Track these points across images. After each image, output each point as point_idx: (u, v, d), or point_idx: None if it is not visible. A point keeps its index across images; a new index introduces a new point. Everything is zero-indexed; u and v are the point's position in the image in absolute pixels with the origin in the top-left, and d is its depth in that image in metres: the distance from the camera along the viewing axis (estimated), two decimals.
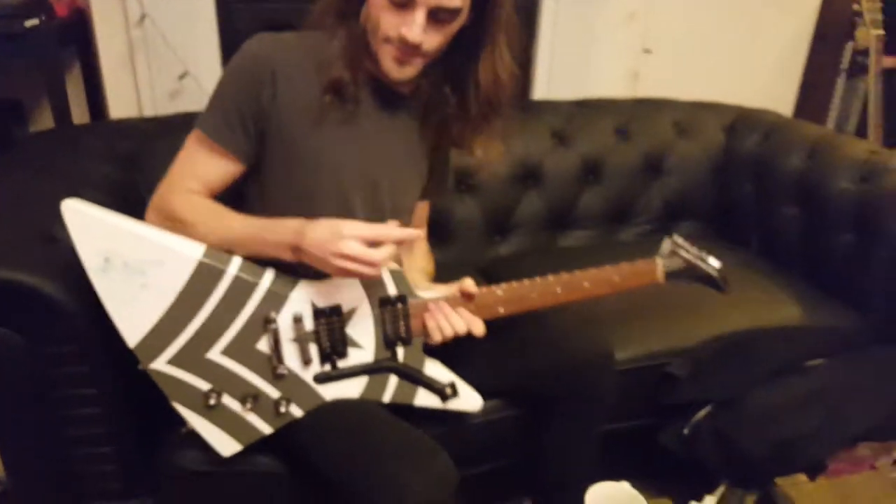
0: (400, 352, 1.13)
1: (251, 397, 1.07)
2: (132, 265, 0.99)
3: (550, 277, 1.19)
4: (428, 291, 1.14)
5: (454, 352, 1.16)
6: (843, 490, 1.11)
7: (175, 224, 1.05)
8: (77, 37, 1.91)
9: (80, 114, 2.01)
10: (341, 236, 0.97)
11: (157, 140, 1.52)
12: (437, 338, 1.12)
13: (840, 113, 2.48)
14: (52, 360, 1.08)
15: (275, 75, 1.06)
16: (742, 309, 1.57)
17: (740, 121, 2.02)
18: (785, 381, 1.41)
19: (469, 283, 1.14)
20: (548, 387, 1.23)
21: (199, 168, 1.09)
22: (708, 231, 2.02)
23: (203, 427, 1.08)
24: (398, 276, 1.11)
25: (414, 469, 1.00)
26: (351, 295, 1.09)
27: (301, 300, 1.07)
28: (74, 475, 1.18)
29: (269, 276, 1.07)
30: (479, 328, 1.13)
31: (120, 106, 1.91)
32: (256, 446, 1.12)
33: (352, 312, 1.10)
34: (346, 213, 1.09)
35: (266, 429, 1.11)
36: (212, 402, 1.06)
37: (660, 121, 1.99)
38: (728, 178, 1.99)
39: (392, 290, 1.11)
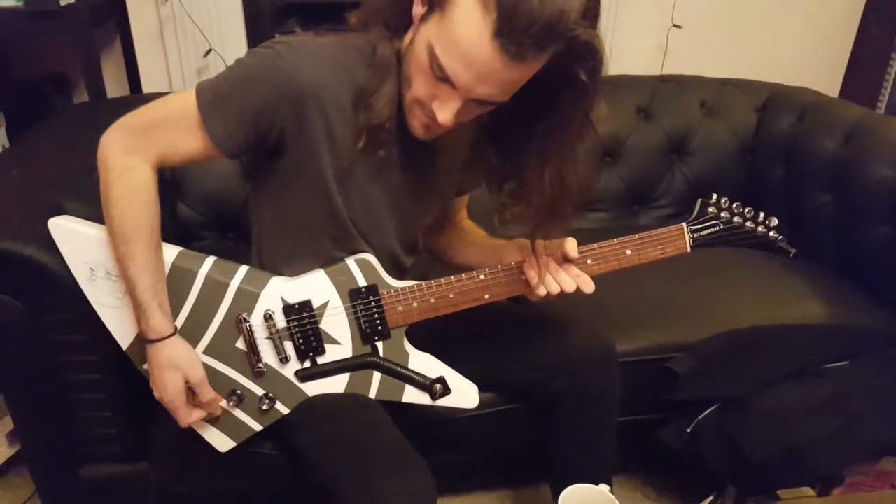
0: (380, 346, 1.04)
1: (235, 395, 1.04)
2: (114, 273, 0.99)
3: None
4: (401, 282, 1.03)
5: (448, 347, 1.07)
6: None
7: (116, 175, 0.93)
8: (115, 14, 1.89)
9: (119, 88, 2.01)
10: (182, 372, 0.97)
11: None
12: (540, 291, 0.99)
13: (892, 93, 2.22)
14: (52, 327, 1.08)
15: (302, 97, 0.89)
16: (758, 303, 1.41)
17: (774, 100, 1.81)
18: (799, 383, 1.25)
19: (571, 245, 1.00)
20: (548, 385, 1.12)
21: (174, 137, 0.94)
22: None
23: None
24: (366, 266, 1.02)
25: (400, 482, 0.91)
26: (320, 289, 1.01)
27: (271, 297, 1.01)
28: (77, 438, 1.18)
29: (240, 275, 1.02)
30: (588, 286, 1.00)
31: (152, 81, 1.90)
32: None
33: (323, 308, 1.01)
34: (385, 238, 1.04)
35: (256, 426, 1.07)
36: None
37: (686, 99, 1.81)
38: (758, 161, 1.80)
39: (361, 280, 1.02)
